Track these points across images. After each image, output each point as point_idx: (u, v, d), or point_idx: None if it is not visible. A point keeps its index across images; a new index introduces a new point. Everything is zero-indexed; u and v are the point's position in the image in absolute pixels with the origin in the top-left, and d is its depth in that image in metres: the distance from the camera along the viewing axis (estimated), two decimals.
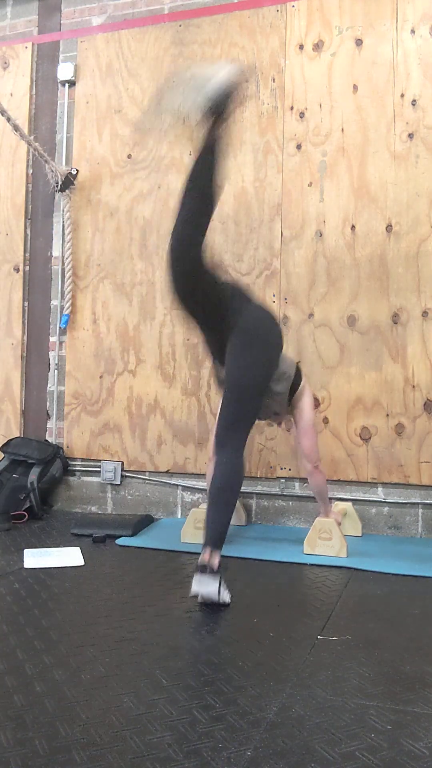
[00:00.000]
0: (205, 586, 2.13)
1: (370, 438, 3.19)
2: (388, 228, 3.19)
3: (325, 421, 3.24)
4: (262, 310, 2.55)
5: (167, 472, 3.51)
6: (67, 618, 2.03)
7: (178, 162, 3.55)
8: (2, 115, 3.15)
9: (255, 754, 1.30)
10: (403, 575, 2.49)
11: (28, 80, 3.85)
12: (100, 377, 3.64)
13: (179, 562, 2.68)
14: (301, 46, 3.37)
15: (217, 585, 2.13)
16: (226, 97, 2.23)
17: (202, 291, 2.42)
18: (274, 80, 3.40)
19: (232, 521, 3.26)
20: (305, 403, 2.79)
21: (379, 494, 3.19)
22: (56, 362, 3.74)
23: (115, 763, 1.26)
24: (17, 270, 3.82)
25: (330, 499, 2.94)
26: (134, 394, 3.58)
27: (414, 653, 1.79)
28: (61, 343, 3.74)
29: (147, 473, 3.55)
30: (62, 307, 3.70)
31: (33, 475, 3.49)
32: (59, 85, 3.81)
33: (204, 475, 3.23)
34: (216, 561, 2.19)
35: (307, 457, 2.80)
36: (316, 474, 2.80)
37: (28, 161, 3.83)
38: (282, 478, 3.31)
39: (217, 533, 2.26)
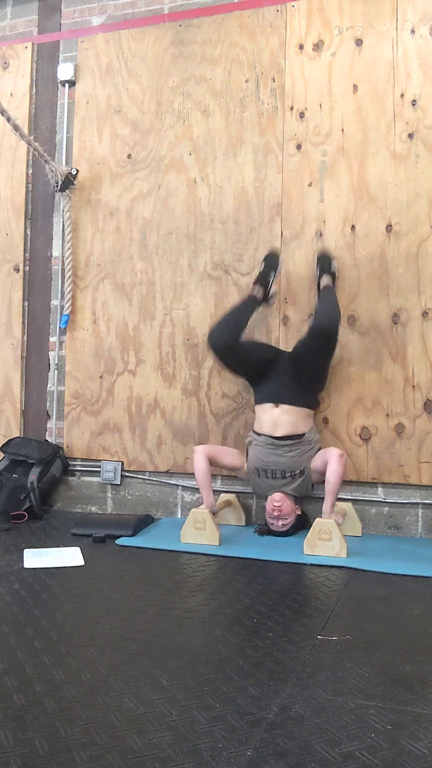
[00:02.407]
0: None
1: (370, 438, 3.19)
2: (388, 228, 3.19)
3: (325, 421, 3.24)
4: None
5: (167, 472, 3.51)
6: (67, 618, 2.03)
7: (178, 162, 3.55)
8: (2, 115, 3.15)
9: (255, 754, 1.30)
10: (403, 575, 2.49)
11: (28, 80, 3.85)
12: (100, 377, 3.64)
13: (179, 562, 2.68)
14: (301, 46, 3.37)
15: None
16: None
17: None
18: (274, 80, 3.40)
19: (233, 521, 3.28)
20: (335, 455, 2.93)
21: (379, 494, 3.19)
22: (56, 362, 3.74)
23: (115, 763, 1.26)
24: (17, 270, 3.82)
25: None
26: (134, 394, 3.58)
27: (414, 653, 1.79)
28: (61, 343, 3.74)
29: (147, 473, 3.55)
30: (62, 307, 3.70)
31: (33, 475, 3.49)
32: (59, 85, 3.81)
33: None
34: None
35: (337, 449, 2.94)
36: (341, 463, 2.85)
37: (28, 161, 3.83)
38: None
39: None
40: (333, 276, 3.19)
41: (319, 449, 3.04)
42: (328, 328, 2.98)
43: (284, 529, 3.00)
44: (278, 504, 2.96)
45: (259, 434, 3.06)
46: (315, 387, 3.15)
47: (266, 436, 3.03)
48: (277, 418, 3.02)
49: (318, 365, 3.08)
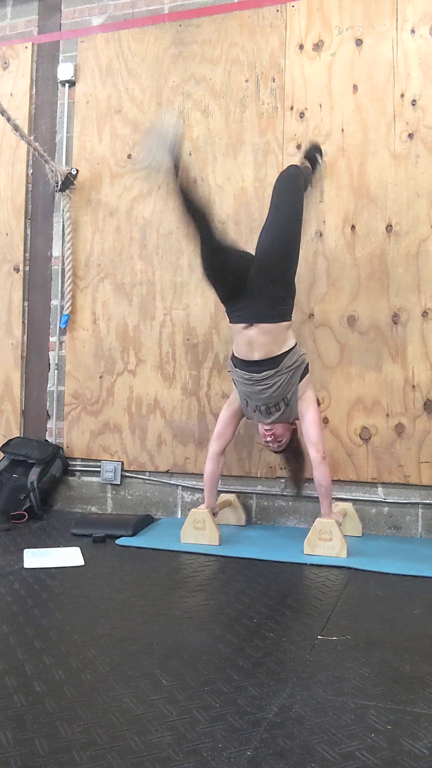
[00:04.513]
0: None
1: (370, 438, 3.19)
2: (388, 228, 3.19)
3: (325, 421, 3.23)
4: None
5: (167, 472, 3.51)
6: (67, 618, 2.03)
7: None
8: (2, 115, 3.15)
9: (255, 754, 1.30)
10: (403, 575, 2.49)
11: (28, 80, 3.85)
12: (100, 377, 3.64)
13: (179, 562, 2.68)
14: (301, 46, 3.37)
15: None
16: (177, 150, 2.69)
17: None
18: (274, 80, 3.40)
19: (233, 521, 3.28)
20: (310, 395, 2.90)
21: (379, 494, 3.19)
22: (56, 362, 3.74)
23: (115, 763, 1.26)
24: (17, 270, 3.82)
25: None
26: (134, 394, 3.58)
27: (414, 653, 1.79)
28: (61, 343, 3.74)
29: (147, 473, 3.55)
30: (62, 307, 3.70)
31: (33, 475, 3.49)
32: (59, 85, 3.81)
33: (202, 475, 3.22)
34: None
35: (316, 447, 2.82)
36: (323, 466, 2.81)
37: (28, 161, 3.83)
38: (282, 478, 3.31)
39: None
40: (316, 165, 3.14)
41: (307, 366, 2.90)
42: (291, 175, 2.95)
43: (280, 449, 2.97)
44: (269, 430, 2.90)
45: (237, 361, 2.89)
46: (287, 290, 2.90)
47: (243, 361, 2.85)
48: (251, 339, 2.80)
49: (286, 250, 2.87)
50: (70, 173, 3.64)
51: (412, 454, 3.12)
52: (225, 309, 2.98)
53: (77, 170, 3.67)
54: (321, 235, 3.28)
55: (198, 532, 2.90)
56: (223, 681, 1.61)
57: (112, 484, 3.61)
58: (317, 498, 3.00)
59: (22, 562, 2.61)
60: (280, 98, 3.39)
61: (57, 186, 3.64)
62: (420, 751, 1.31)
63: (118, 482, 3.58)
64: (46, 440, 3.72)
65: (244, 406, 2.97)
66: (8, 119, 3.19)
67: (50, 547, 2.86)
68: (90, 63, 3.74)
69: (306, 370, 2.90)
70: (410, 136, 3.18)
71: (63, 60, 3.81)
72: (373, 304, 3.20)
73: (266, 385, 2.82)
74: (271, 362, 2.81)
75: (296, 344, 2.91)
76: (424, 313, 3.13)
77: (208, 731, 1.38)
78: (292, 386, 2.85)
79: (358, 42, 3.28)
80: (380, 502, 3.18)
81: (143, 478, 3.56)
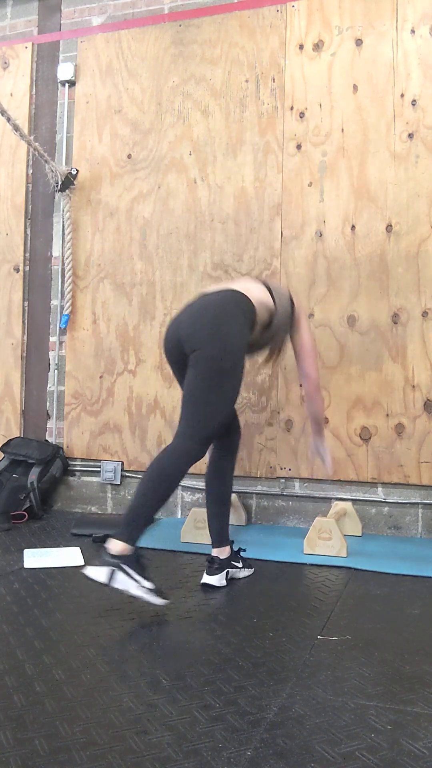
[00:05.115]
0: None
1: (370, 438, 3.19)
2: (388, 228, 3.19)
3: (325, 421, 3.23)
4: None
5: None
6: (67, 618, 2.03)
7: (178, 162, 3.55)
8: (2, 115, 3.15)
9: (255, 754, 1.30)
10: (403, 575, 2.49)
11: (28, 80, 3.85)
12: (100, 377, 3.64)
13: (179, 562, 2.68)
14: (301, 46, 3.37)
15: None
16: None
17: None
18: (274, 80, 3.40)
19: (233, 521, 3.28)
20: (303, 324, 2.64)
21: (379, 494, 3.19)
22: (56, 362, 3.74)
23: (115, 763, 1.26)
24: (17, 270, 3.82)
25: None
26: (134, 394, 3.58)
27: (414, 653, 1.79)
28: (61, 343, 3.74)
29: None
30: (62, 307, 3.71)
31: (33, 475, 3.49)
32: (59, 85, 3.81)
33: (204, 475, 3.22)
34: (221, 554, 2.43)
35: (309, 376, 2.60)
36: (318, 396, 2.65)
37: (28, 161, 3.83)
38: (282, 478, 3.31)
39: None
40: None
41: (291, 300, 2.58)
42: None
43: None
44: None
45: None
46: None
47: None
48: None
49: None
50: (70, 173, 3.64)
51: (412, 454, 3.12)
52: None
53: (77, 170, 3.67)
54: (321, 235, 3.28)
55: (198, 531, 2.91)
56: (223, 681, 1.61)
57: (112, 484, 3.61)
58: (317, 498, 3.00)
59: (22, 562, 2.61)
60: (280, 98, 3.39)
61: (57, 186, 3.64)
62: (420, 751, 1.31)
63: (118, 482, 3.58)
64: (46, 440, 3.72)
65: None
66: (8, 119, 3.19)
67: (50, 547, 2.86)
68: (90, 63, 3.74)
69: (292, 304, 2.58)
70: (410, 136, 3.18)
71: (63, 60, 3.81)
72: (373, 304, 3.20)
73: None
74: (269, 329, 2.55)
75: (275, 296, 2.50)
76: (424, 313, 3.13)
77: (208, 731, 1.38)
78: (289, 327, 2.62)
79: (358, 42, 3.28)
80: (380, 502, 3.18)
81: None
